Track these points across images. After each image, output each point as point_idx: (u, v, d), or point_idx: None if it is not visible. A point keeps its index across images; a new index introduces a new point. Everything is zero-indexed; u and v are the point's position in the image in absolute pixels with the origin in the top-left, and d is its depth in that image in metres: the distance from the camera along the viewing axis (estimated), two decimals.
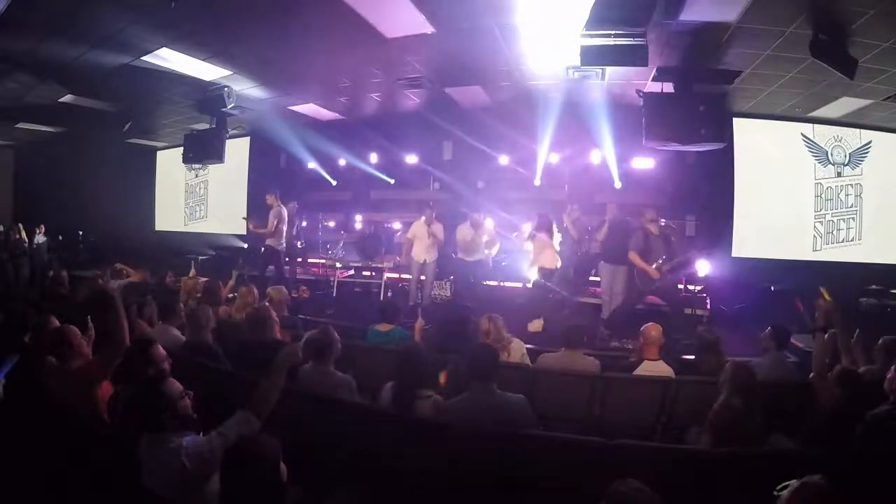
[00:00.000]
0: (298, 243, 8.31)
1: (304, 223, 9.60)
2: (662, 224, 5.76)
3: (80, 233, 11.00)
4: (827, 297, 4.65)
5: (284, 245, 7.45)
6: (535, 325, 6.08)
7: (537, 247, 6.24)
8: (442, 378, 2.87)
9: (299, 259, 9.07)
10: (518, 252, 7.26)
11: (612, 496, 1.50)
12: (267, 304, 4.16)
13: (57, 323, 2.91)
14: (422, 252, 7.10)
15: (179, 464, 1.85)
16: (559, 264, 6.29)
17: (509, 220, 7.91)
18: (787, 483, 1.50)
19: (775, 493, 1.51)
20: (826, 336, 3.13)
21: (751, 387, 2.66)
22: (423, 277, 7.26)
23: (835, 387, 2.67)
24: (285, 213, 7.34)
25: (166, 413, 1.93)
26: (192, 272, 5.87)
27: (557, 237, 6.34)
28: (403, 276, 7.99)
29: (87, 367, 2.63)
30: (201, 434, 2.00)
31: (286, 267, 8.23)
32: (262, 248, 7.43)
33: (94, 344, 2.88)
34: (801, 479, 1.49)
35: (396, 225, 9.51)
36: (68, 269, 6.29)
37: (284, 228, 7.32)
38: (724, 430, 2.54)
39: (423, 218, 7.12)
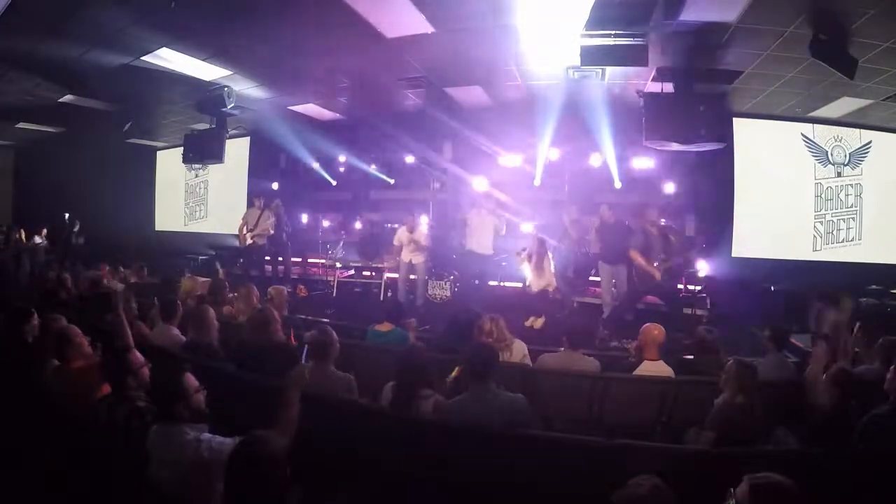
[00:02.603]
0: (284, 235, 8.27)
1: (304, 220, 9.53)
2: (662, 224, 5.81)
3: (77, 223, 10.39)
4: (847, 307, 4.52)
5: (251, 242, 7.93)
6: (530, 322, 6.10)
7: (534, 271, 6.24)
8: (455, 372, 2.91)
9: (298, 259, 9.05)
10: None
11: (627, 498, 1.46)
12: (268, 304, 4.16)
13: (61, 323, 2.91)
14: (408, 254, 7.16)
15: (195, 455, 1.88)
16: (553, 284, 6.30)
17: (509, 221, 7.89)
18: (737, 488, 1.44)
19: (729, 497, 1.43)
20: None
21: (753, 384, 2.66)
22: (413, 277, 7.29)
23: (831, 386, 2.67)
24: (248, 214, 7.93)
25: (181, 403, 1.99)
26: (188, 275, 5.92)
27: (550, 262, 6.34)
28: None
29: (88, 367, 2.63)
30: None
31: (280, 266, 8.30)
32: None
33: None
34: (752, 479, 1.43)
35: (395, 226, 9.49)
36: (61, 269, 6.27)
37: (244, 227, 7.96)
38: (728, 428, 2.55)
39: (406, 227, 7.23)
